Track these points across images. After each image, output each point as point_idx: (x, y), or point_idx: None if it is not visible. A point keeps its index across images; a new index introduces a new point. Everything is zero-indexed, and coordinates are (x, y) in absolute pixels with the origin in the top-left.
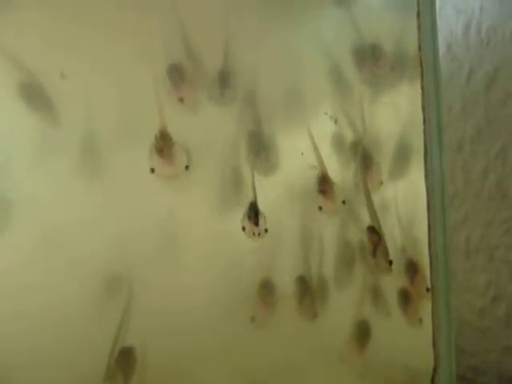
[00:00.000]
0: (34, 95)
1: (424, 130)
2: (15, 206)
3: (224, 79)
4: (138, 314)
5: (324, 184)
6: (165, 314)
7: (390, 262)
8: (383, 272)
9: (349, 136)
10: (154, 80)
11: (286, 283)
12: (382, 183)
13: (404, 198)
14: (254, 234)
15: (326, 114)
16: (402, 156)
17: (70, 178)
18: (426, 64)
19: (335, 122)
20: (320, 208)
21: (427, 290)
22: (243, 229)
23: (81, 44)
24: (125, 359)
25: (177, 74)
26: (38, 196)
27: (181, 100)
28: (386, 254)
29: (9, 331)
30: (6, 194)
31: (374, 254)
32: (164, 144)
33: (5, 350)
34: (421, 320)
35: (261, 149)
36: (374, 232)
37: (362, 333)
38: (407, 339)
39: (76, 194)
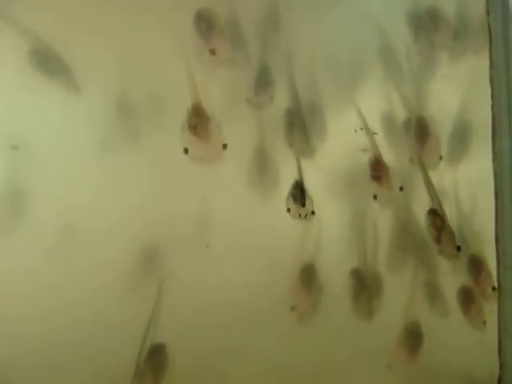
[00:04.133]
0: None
1: (492, 106)
2: (33, 192)
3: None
4: (168, 308)
5: (378, 169)
6: (197, 309)
7: (459, 248)
8: (451, 259)
9: (401, 114)
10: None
11: (334, 273)
12: (441, 158)
13: (465, 183)
14: (300, 215)
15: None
16: (463, 135)
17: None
18: (494, 31)
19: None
20: (375, 197)
21: (493, 289)
22: (288, 210)
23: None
24: (155, 358)
25: (204, 24)
26: (57, 181)
27: (212, 52)
28: (453, 238)
29: (38, 330)
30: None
31: (439, 240)
32: (198, 120)
33: (33, 350)
34: (485, 322)
35: (303, 125)
36: (437, 215)
37: (414, 335)
38: (468, 344)
39: (101, 176)
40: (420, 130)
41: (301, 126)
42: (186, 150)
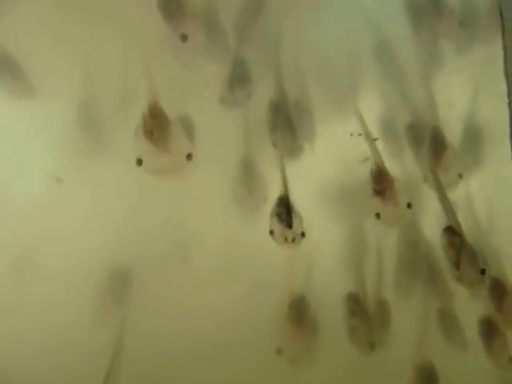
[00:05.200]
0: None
1: (509, 103)
2: None
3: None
4: (133, 338)
5: (381, 181)
6: (168, 338)
7: (483, 271)
8: (473, 285)
9: (404, 118)
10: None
11: (329, 304)
12: (460, 176)
13: (480, 194)
14: (286, 239)
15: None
16: (475, 138)
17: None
18: (508, 16)
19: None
20: (377, 215)
21: None
22: (271, 232)
23: None
24: None
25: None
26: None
27: (183, 38)
28: (475, 259)
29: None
30: None
31: (458, 263)
32: (155, 124)
33: None
34: (510, 359)
35: (288, 128)
36: (454, 233)
37: (427, 377)
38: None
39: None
40: (434, 137)
41: (286, 128)
42: (139, 161)
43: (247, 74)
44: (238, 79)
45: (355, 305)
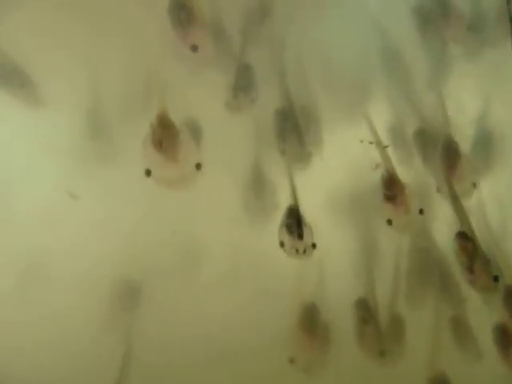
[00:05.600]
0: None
1: None
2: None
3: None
4: (142, 346)
5: (392, 187)
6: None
7: (496, 278)
8: (486, 291)
9: (413, 124)
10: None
11: (340, 311)
12: (474, 186)
13: (492, 200)
14: (297, 250)
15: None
16: (486, 143)
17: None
18: None
19: (385, 147)
20: (389, 222)
21: None
22: (281, 244)
23: None
24: None
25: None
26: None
27: (194, 48)
28: (488, 266)
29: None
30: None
31: (471, 269)
32: (164, 134)
33: None
34: None
35: (296, 135)
36: (467, 238)
37: None
38: None
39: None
40: (447, 145)
41: (294, 135)
42: (148, 172)
43: (252, 80)
44: (243, 85)
45: (365, 311)
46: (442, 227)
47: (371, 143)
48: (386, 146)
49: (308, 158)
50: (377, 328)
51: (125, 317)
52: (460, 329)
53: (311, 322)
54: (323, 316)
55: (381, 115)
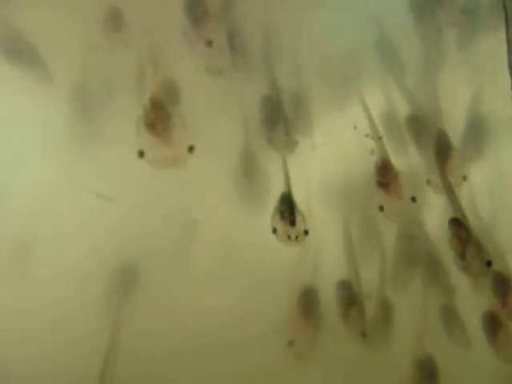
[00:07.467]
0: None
1: None
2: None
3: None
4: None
5: (385, 173)
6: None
7: (488, 263)
8: (478, 276)
9: (406, 111)
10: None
11: (331, 298)
12: (465, 179)
13: (484, 188)
14: (289, 237)
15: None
16: (479, 132)
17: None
18: (511, 10)
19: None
20: (381, 208)
21: None
22: (274, 230)
23: None
24: None
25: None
26: None
27: (209, 43)
28: (481, 251)
29: None
30: None
31: (464, 255)
32: (157, 116)
33: None
34: None
35: (284, 119)
36: (460, 225)
37: (427, 372)
38: (496, 382)
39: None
40: (438, 137)
41: (282, 120)
42: (141, 153)
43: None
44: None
45: (346, 290)
46: (434, 215)
47: (367, 136)
48: (380, 137)
49: (297, 145)
50: (361, 311)
51: (122, 301)
52: (449, 315)
53: (307, 305)
54: (318, 299)
55: (374, 101)
